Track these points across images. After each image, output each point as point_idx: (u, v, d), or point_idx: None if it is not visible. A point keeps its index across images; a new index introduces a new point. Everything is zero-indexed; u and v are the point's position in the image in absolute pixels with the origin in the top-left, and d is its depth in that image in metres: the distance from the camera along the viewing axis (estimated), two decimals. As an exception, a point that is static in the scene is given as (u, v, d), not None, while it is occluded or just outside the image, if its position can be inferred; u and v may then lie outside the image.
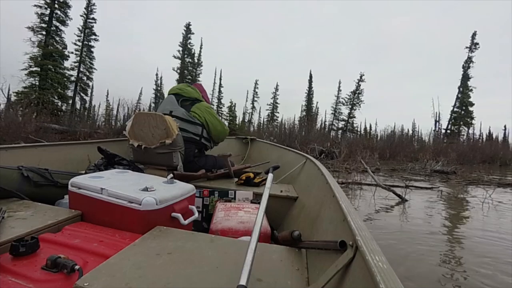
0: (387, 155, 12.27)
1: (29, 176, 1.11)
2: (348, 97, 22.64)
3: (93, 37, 17.38)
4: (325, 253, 0.64)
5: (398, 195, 3.73)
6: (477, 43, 21.38)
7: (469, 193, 4.66)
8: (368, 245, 0.49)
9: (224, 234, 0.96)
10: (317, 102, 26.08)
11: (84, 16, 17.05)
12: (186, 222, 0.95)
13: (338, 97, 23.86)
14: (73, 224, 0.89)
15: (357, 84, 22.11)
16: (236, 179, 1.71)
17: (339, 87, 23.96)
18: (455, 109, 22.12)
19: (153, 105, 22.20)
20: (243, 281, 0.50)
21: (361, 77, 21.85)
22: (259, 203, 1.09)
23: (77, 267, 0.60)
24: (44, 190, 1.15)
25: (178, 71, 21.57)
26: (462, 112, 21.95)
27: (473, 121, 22.16)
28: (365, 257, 0.45)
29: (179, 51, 21.77)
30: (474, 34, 21.56)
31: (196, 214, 1.03)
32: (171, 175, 1.15)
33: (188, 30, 21.86)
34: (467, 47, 21.71)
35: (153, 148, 1.65)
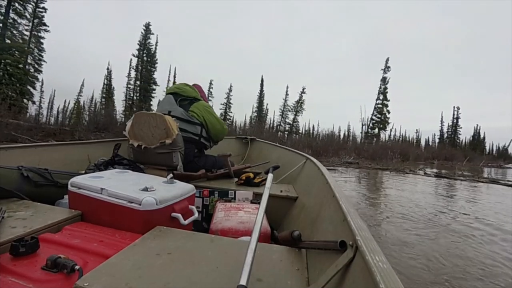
0: (321, 151, 16.27)
1: (29, 176, 1.11)
2: (293, 105, 27.72)
3: (43, 27, 16.20)
4: (325, 253, 0.64)
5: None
6: (389, 66, 28.31)
7: (351, 171, 8.34)
8: (368, 245, 0.49)
9: (224, 234, 0.96)
10: (267, 104, 30.27)
11: (33, 4, 15.89)
12: (186, 222, 0.95)
13: (285, 100, 28.33)
14: (73, 224, 0.89)
15: (300, 95, 27.09)
16: (236, 179, 1.71)
17: (287, 91, 28.38)
18: (373, 117, 28.65)
19: (98, 98, 22.38)
20: (243, 281, 0.50)
21: (303, 89, 26.99)
22: (259, 203, 1.09)
23: (77, 267, 0.60)
24: (44, 190, 1.14)
25: (135, 68, 22.02)
26: (378, 119, 28.32)
27: (388, 126, 28.82)
28: (365, 257, 0.45)
29: (138, 49, 22.08)
30: (387, 60, 28.27)
31: (196, 214, 1.03)
32: (171, 175, 1.14)
33: (147, 30, 22.15)
34: (382, 69, 28.30)
35: (153, 148, 1.65)
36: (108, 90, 22.78)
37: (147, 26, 22.16)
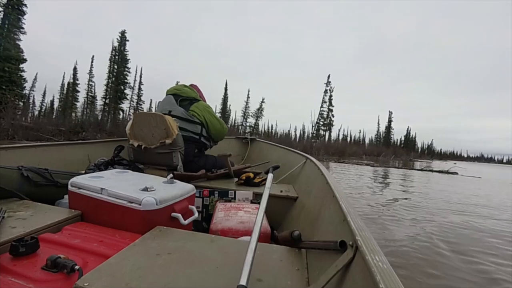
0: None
1: (29, 176, 1.11)
2: (254, 112, 32.74)
3: (21, 30, 15.95)
4: (325, 253, 0.64)
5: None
6: (330, 81, 33.67)
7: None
8: (368, 245, 0.49)
9: (224, 234, 0.96)
10: (229, 105, 34.69)
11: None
12: (186, 222, 0.95)
13: (247, 102, 33.06)
14: (73, 224, 0.89)
15: (260, 104, 32.38)
16: (236, 179, 1.71)
17: (248, 94, 33.04)
18: (318, 121, 33.80)
19: (56, 98, 23.46)
20: (243, 281, 0.50)
21: (263, 99, 32.12)
22: (259, 203, 1.09)
23: (77, 267, 0.60)
24: (44, 190, 1.14)
25: (110, 72, 23.10)
26: (320, 123, 33.70)
27: (332, 128, 34.96)
28: (365, 257, 0.45)
29: (114, 55, 22.98)
30: (329, 76, 33.86)
31: (196, 214, 1.03)
32: (171, 175, 1.14)
33: (123, 37, 23.32)
34: (325, 83, 33.78)
35: (153, 148, 1.65)
36: (73, 88, 23.46)
37: (123, 33, 23.24)
